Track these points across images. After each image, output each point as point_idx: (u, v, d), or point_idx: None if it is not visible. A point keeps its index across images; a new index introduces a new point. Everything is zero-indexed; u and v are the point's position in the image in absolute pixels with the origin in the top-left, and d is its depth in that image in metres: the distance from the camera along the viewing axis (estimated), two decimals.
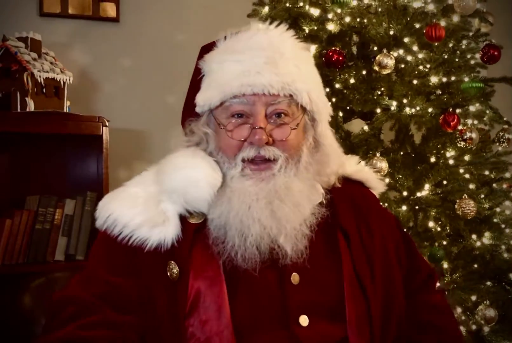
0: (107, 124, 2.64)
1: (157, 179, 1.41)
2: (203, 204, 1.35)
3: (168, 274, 1.33)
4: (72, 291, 1.38)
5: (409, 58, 2.57)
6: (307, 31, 2.71)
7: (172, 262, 1.33)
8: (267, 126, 1.34)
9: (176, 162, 1.38)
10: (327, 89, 2.64)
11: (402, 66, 2.58)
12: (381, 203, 1.75)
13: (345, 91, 2.62)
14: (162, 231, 1.34)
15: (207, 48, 1.46)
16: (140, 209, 1.36)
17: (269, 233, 1.32)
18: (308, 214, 1.38)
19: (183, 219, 1.37)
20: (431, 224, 2.52)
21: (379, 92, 2.62)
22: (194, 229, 1.36)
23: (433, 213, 2.52)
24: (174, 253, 1.34)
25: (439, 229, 2.54)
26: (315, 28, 2.68)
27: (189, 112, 1.45)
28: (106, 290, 1.35)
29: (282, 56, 1.37)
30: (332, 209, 1.45)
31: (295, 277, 1.36)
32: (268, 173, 1.35)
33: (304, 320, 1.33)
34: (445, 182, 2.60)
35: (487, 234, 2.61)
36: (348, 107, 2.66)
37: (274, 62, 1.35)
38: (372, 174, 1.66)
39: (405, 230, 1.69)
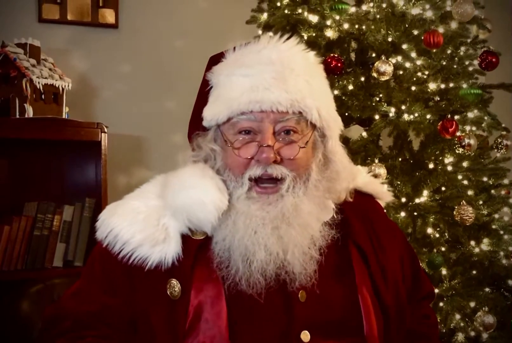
0: (105, 130, 2.64)
1: (162, 193, 1.38)
2: (206, 225, 1.31)
3: (169, 292, 1.30)
4: (66, 307, 1.37)
5: (407, 64, 2.57)
6: (305, 37, 2.71)
7: (174, 280, 1.31)
8: (275, 144, 1.30)
9: (183, 180, 1.35)
10: None
11: (401, 72, 2.58)
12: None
13: (343, 98, 2.62)
14: (163, 249, 1.31)
15: (215, 59, 1.43)
16: (141, 225, 1.34)
17: (275, 259, 1.29)
18: (318, 235, 1.35)
19: (184, 236, 1.34)
20: (429, 230, 2.51)
21: (378, 99, 2.62)
22: (197, 245, 1.33)
23: (431, 219, 2.52)
24: (174, 271, 1.31)
25: (437, 235, 2.54)
26: (314, 34, 2.68)
27: (196, 125, 1.42)
28: (99, 310, 1.34)
29: (292, 71, 1.33)
30: (344, 224, 1.43)
31: (302, 294, 1.33)
32: (276, 197, 1.32)
33: (305, 336, 1.31)
34: (443, 189, 2.60)
35: (485, 240, 2.60)
36: (346, 114, 2.66)
37: (283, 77, 1.31)
38: (381, 186, 1.65)
39: (411, 246, 1.68)
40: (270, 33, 2.81)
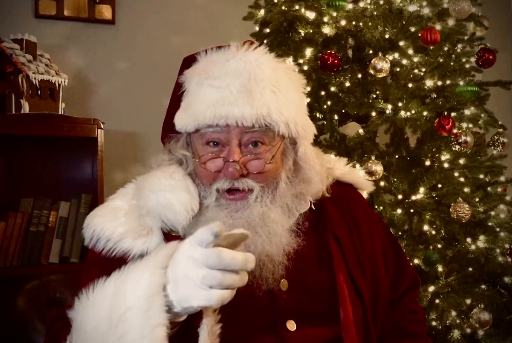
0: (102, 126, 2.64)
1: (136, 196, 1.40)
2: (178, 226, 1.33)
3: None
4: (64, 309, 1.37)
5: (404, 61, 2.57)
6: (302, 34, 2.71)
7: None
8: (242, 159, 1.30)
9: (153, 182, 1.36)
10: (323, 92, 2.65)
11: (397, 69, 2.58)
12: (372, 207, 1.75)
13: (340, 94, 2.62)
14: (146, 242, 1.32)
15: (188, 61, 1.43)
16: (122, 220, 1.35)
17: None
18: (285, 241, 1.35)
19: (164, 232, 1.36)
20: (426, 227, 2.52)
21: (374, 96, 2.62)
22: (176, 241, 1.35)
23: (428, 216, 2.52)
24: None
25: (434, 232, 2.54)
26: (311, 31, 2.68)
27: (169, 128, 1.42)
28: None
29: (259, 83, 1.32)
30: (324, 215, 1.46)
31: (284, 283, 1.35)
32: (244, 203, 1.33)
33: (291, 325, 1.33)
34: (440, 186, 2.61)
35: (481, 237, 2.61)
36: (343, 110, 2.66)
37: (249, 90, 1.30)
38: (360, 175, 1.66)
39: (393, 234, 1.69)
40: (267, 30, 2.82)
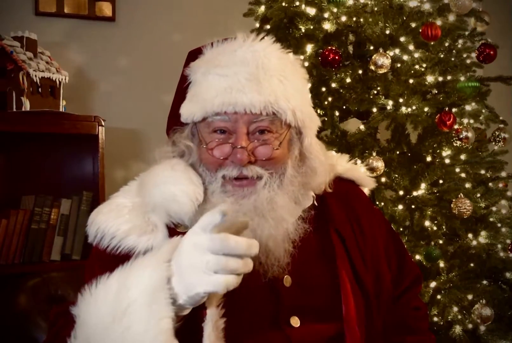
0: (103, 123, 2.64)
1: (139, 192, 1.40)
2: (185, 217, 1.34)
3: None
4: (67, 305, 1.37)
5: (405, 57, 2.57)
6: (303, 30, 2.70)
7: None
8: (249, 145, 1.32)
9: (156, 176, 1.37)
10: (323, 89, 2.65)
11: (398, 65, 2.58)
12: (373, 203, 1.75)
13: (341, 91, 2.62)
14: (150, 239, 1.33)
15: (194, 54, 1.44)
16: (126, 217, 1.36)
17: None
18: (292, 229, 1.36)
19: (170, 228, 1.36)
20: (427, 223, 2.52)
21: (375, 92, 2.62)
22: (180, 236, 1.35)
23: (429, 212, 2.52)
24: None
25: (435, 228, 2.54)
26: (311, 27, 2.68)
27: (174, 120, 1.44)
28: None
29: (266, 72, 1.34)
30: (326, 211, 1.46)
31: (287, 280, 1.36)
32: (251, 189, 1.34)
33: (295, 321, 1.34)
34: (441, 181, 2.60)
35: (483, 233, 2.61)
36: (344, 107, 2.66)
37: (257, 79, 1.32)
38: (362, 172, 1.66)
39: (395, 230, 1.70)
40: (267, 26, 2.81)
